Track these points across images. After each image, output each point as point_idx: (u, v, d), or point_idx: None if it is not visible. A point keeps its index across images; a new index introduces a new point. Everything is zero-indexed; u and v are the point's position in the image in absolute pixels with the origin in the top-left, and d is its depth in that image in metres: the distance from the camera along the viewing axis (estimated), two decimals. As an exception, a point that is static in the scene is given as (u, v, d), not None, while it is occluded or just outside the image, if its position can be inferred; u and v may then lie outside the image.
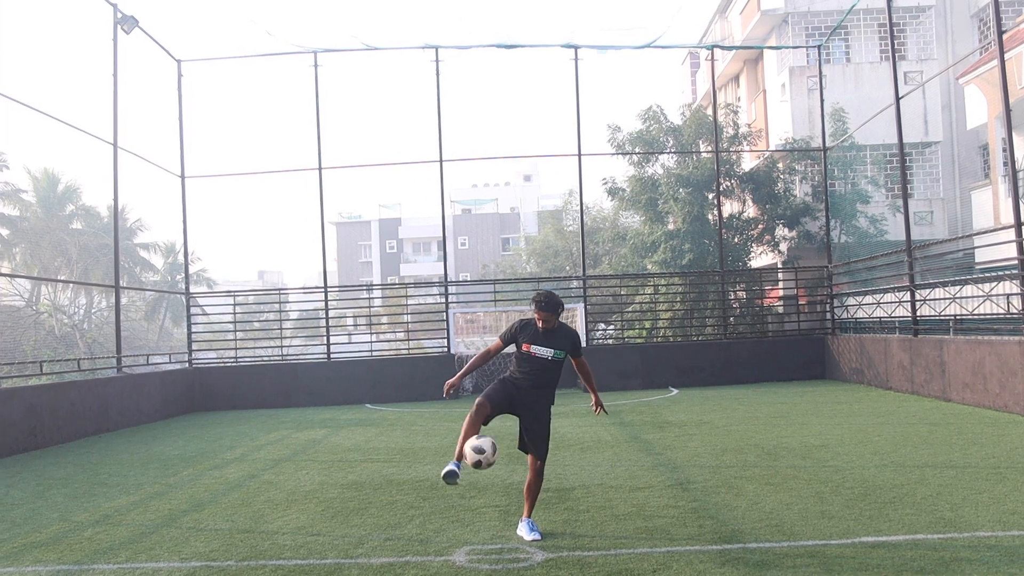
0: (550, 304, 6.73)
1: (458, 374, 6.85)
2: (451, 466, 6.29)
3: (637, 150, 25.31)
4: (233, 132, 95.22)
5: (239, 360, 22.14)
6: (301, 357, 23.32)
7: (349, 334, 29.91)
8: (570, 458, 10.43)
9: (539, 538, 6.53)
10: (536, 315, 6.81)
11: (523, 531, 6.68)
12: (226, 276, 74.41)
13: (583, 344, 7.50)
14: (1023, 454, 9.35)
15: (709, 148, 24.29)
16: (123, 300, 48.44)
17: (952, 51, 25.92)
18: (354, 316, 26.62)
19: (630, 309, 25.00)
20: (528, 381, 6.81)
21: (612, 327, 25.85)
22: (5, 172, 39.94)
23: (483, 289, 28.24)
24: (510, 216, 76.43)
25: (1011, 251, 14.37)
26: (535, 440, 6.80)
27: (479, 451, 6.31)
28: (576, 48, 21.29)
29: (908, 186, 17.91)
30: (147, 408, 17.79)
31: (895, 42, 17.90)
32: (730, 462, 9.66)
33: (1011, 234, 13.86)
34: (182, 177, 21.52)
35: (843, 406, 14.85)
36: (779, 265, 24.83)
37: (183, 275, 51.59)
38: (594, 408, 7.55)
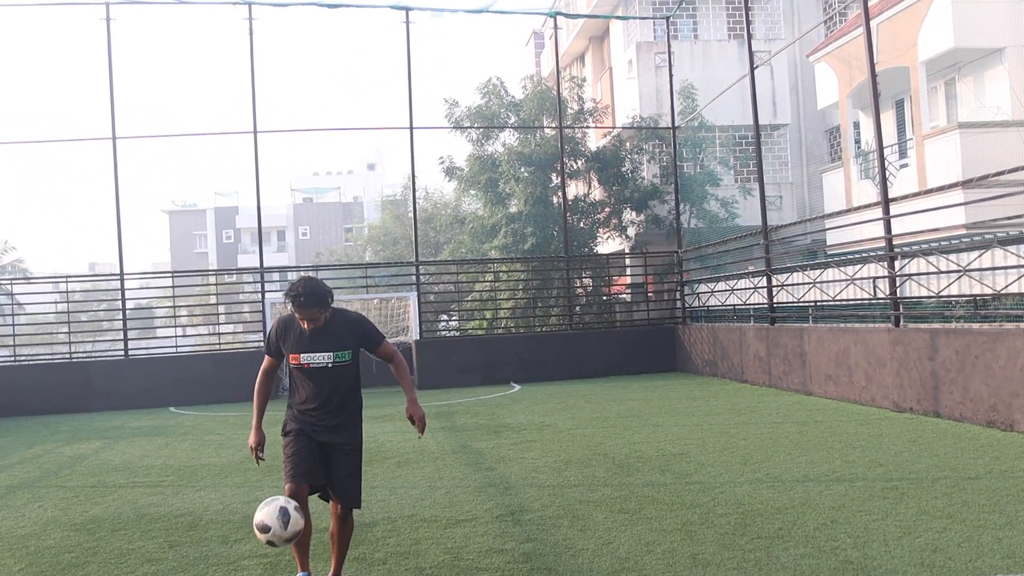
0: (311, 298, 4.68)
1: (253, 426, 4.93)
2: None
3: (475, 125, 23.43)
4: (16, 93, 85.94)
5: (19, 359, 19.00)
6: (94, 355, 20.29)
7: (183, 326, 26.88)
8: (381, 477, 8.42)
9: None
10: (296, 315, 4.76)
11: None
12: (55, 268, 68.76)
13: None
14: (910, 458, 7.95)
15: (552, 124, 22.65)
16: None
17: (799, 31, 25.23)
18: (187, 308, 23.69)
19: (469, 298, 23.11)
20: (322, 410, 4.84)
21: (454, 319, 23.93)
22: None
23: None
24: (353, 205, 74.10)
25: (867, 232, 13.31)
26: (347, 484, 4.88)
27: (264, 529, 4.39)
28: (407, 10, 19.19)
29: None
30: None
31: (743, 20, 16.67)
32: (575, 479, 7.84)
33: (873, 213, 12.72)
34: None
35: (699, 402, 13.38)
36: (627, 251, 23.47)
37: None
38: (410, 419, 4.99)
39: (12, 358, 18.95)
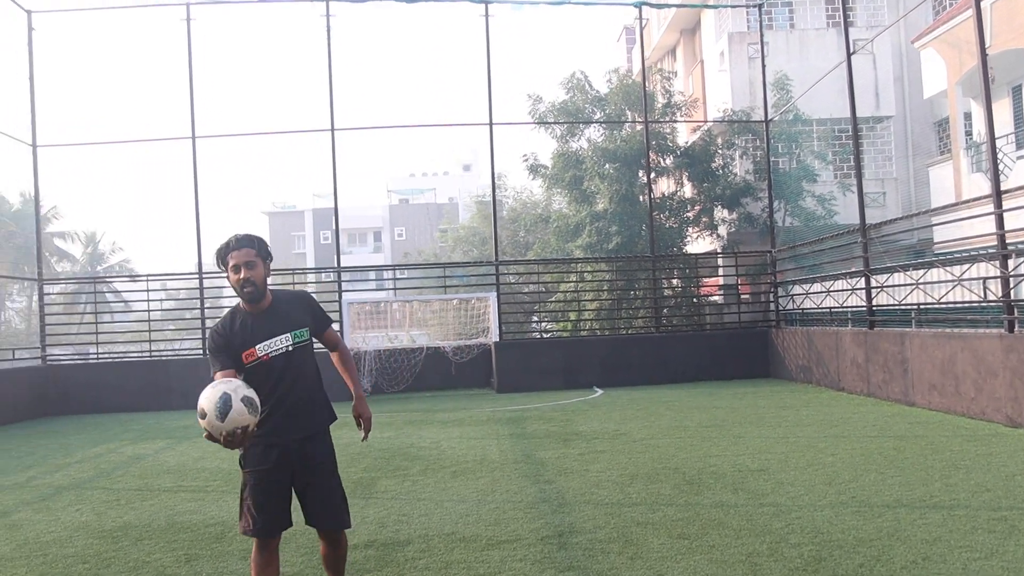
0: (244, 240, 4.11)
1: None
2: None
3: (558, 120, 22.78)
4: (102, 96, 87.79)
5: (101, 356, 19.31)
6: (175, 353, 20.47)
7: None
8: (432, 488, 7.88)
9: None
10: (231, 276, 4.12)
11: None
12: (165, 268, 70.88)
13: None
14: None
15: (639, 119, 21.83)
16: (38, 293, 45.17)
17: (903, 19, 23.79)
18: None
19: (553, 299, 22.47)
20: (287, 414, 4.16)
21: (543, 320, 23.31)
22: None
23: (390, 276, 25.79)
24: (448, 206, 74.37)
25: (978, 228, 12.16)
26: (328, 507, 4.23)
27: (201, 415, 3.82)
28: (487, 3, 18.71)
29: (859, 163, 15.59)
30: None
31: (841, 6, 15.56)
32: (637, 497, 7.14)
33: (984, 208, 11.59)
34: (33, 146, 18.73)
35: (789, 412, 12.43)
36: (718, 250, 22.46)
37: (104, 265, 48.40)
38: (357, 419, 4.50)
39: (95, 355, 19.30)
